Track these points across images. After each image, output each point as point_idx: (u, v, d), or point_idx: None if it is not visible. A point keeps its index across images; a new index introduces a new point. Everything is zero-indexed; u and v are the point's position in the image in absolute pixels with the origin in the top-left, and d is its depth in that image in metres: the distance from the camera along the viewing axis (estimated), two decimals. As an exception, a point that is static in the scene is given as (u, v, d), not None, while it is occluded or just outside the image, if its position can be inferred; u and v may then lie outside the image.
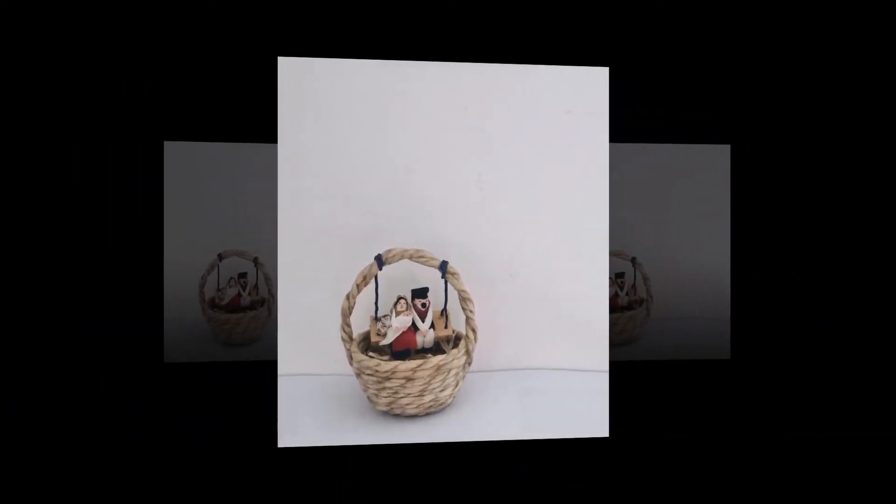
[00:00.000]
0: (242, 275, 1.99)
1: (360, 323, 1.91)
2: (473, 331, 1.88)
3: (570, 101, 1.96)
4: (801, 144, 2.01)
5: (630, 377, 1.98)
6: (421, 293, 1.89)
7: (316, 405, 1.91)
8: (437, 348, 1.88)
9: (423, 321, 1.87)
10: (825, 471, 1.99)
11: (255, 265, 1.98)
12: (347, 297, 1.83)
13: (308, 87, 1.91)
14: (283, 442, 1.81)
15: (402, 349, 1.85)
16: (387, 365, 1.79)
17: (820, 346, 2.00)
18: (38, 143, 1.83)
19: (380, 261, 1.85)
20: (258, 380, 1.89)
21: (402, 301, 1.88)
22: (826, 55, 2.01)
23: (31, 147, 1.83)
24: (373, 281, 1.86)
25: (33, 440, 1.83)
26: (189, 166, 1.89)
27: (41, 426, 1.83)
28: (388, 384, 1.80)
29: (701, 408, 1.99)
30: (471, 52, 1.94)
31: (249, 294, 2.00)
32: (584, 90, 1.96)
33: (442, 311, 1.92)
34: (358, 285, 1.84)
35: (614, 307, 2.03)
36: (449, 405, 1.89)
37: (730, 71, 2.00)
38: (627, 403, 1.97)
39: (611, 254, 2.01)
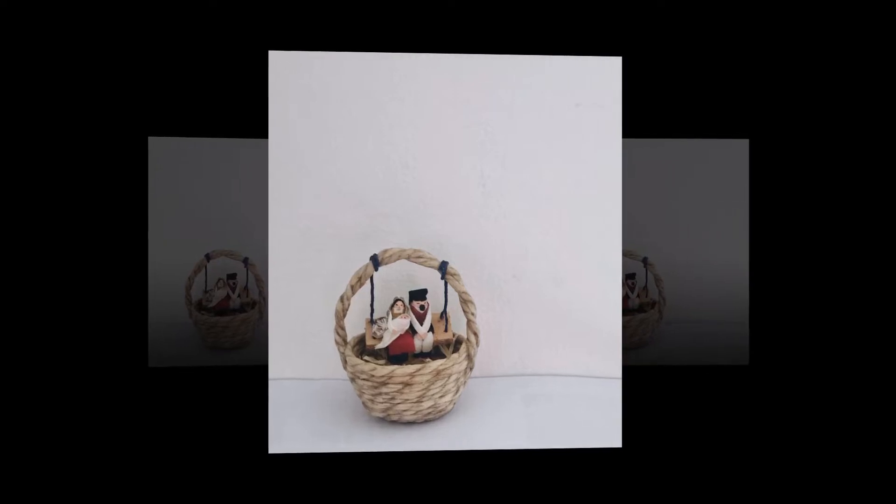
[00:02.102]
0: (231, 276, 2.01)
1: (356, 326, 1.90)
2: (475, 334, 1.88)
3: (580, 93, 1.95)
4: (823, 139, 1.99)
5: (641, 383, 1.98)
6: (419, 295, 1.89)
7: (308, 410, 1.91)
8: (436, 352, 1.88)
9: (421, 324, 1.87)
10: (847, 481, 1.98)
11: (245, 266, 2.00)
12: (342, 299, 1.83)
13: (300, 81, 1.91)
14: (273, 448, 1.82)
15: (400, 353, 1.85)
16: (383, 369, 1.79)
17: (843, 351, 1.98)
18: (18, 140, 1.86)
19: (375, 261, 1.85)
20: (248, 385, 1.91)
21: (400, 303, 1.88)
22: (851, 44, 1.99)
23: (9, 144, 1.86)
24: (368, 282, 1.86)
25: (14, 447, 1.85)
26: (174, 163, 1.91)
27: (22, 432, 1.86)
28: (384, 389, 1.80)
29: (717, 416, 1.98)
30: (472, 42, 1.94)
31: (239, 296, 2.02)
32: (595, 82, 1.95)
33: (442, 314, 1.92)
34: (353, 287, 1.84)
35: (624, 309, 2.03)
36: (449, 412, 1.88)
37: (749, 61, 1.99)
38: (640, 411, 1.96)
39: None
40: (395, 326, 1.86)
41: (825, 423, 1.98)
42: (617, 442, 1.86)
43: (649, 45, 1.97)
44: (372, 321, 1.90)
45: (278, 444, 1.82)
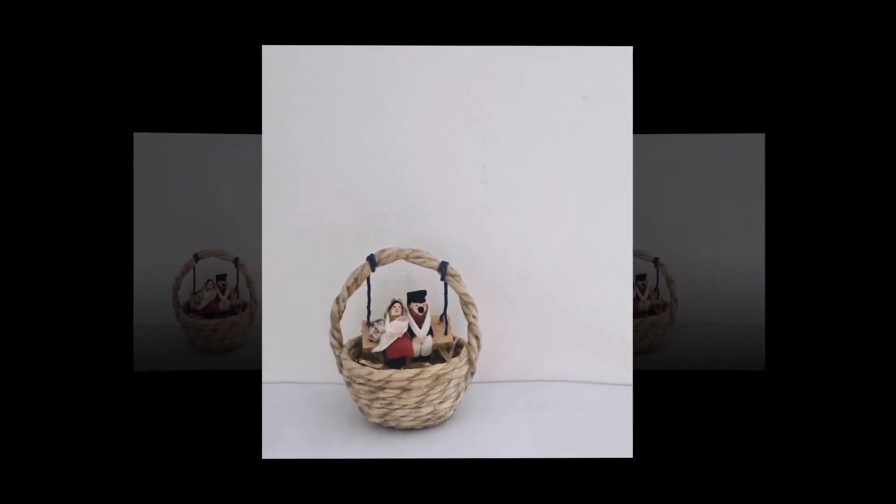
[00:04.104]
0: (221, 277, 2.02)
1: (352, 329, 1.90)
2: (476, 338, 1.87)
3: (587, 85, 1.94)
4: (842, 133, 1.97)
5: (652, 389, 1.96)
6: (418, 296, 1.88)
7: (303, 415, 1.91)
8: (435, 356, 1.88)
9: (419, 327, 1.86)
10: (866, 492, 1.95)
11: (236, 266, 2.01)
12: (337, 301, 1.83)
13: (295, 76, 1.92)
14: (267, 454, 1.82)
15: (397, 357, 1.84)
16: (380, 373, 1.78)
17: (863, 356, 1.96)
18: None
19: (372, 262, 1.85)
20: (239, 389, 1.91)
21: (397, 305, 1.86)
22: (872, 35, 1.98)
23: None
24: (365, 283, 1.86)
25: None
26: (161, 159, 1.92)
27: (3, 440, 1.87)
28: (381, 394, 1.79)
29: (732, 424, 1.96)
30: (472, 33, 1.94)
31: (229, 297, 2.03)
32: (604, 73, 1.94)
33: (441, 317, 1.91)
34: (349, 288, 1.83)
35: (634, 312, 2.02)
36: (449, 418, 1.88)
37: (765, 51, 1.97)
38: (651, 419, 1.95)
39: (630, 254, 2.01)
40: (393, 329, 1.85)
41: (844, 431, 1.95)
42: (627, 452, 1.84)
43: (660, 35, 1.96)
44: (369, 323, 1.89)
45: (272, 449, 1.81)
